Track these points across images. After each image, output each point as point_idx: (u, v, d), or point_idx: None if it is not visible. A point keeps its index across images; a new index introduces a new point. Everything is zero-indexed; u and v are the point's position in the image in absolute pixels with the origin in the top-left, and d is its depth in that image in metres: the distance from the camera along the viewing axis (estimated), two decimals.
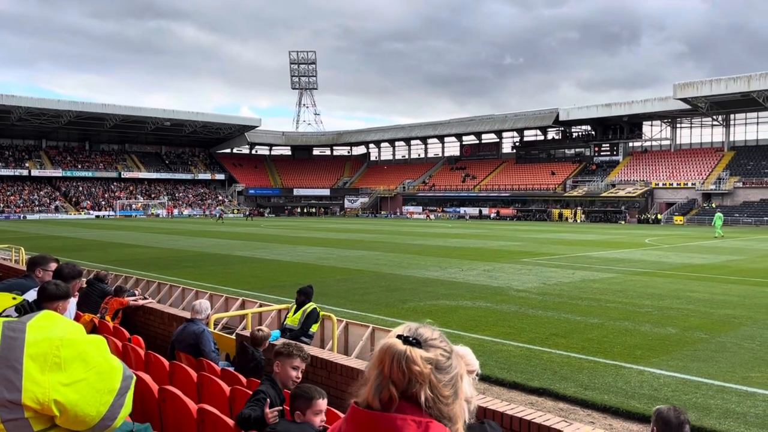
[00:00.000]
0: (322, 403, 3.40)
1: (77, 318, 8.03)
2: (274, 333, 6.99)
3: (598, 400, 7.45)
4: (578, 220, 69.37)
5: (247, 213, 78.79)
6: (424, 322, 1.46)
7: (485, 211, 78.50)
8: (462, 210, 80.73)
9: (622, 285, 16.86)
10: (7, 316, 1.62)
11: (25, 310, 3.42)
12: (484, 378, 8.49)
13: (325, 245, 31.04)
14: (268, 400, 3.47)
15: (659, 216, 65.20)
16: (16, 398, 1.39)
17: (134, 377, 1.70)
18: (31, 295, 4.13)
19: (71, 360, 1.47)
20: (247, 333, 7.38)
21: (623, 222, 66.12)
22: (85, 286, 9.39)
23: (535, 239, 36.59)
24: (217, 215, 69.87)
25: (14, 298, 1.67)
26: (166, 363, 4.98)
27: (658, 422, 3.27)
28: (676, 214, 64.76)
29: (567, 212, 71.89)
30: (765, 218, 58.61)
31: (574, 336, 10.70)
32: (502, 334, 10.87)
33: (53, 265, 4.84)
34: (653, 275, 19.11)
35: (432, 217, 75.21)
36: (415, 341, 1.35)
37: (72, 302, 4.26)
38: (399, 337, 1.37)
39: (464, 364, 1.48)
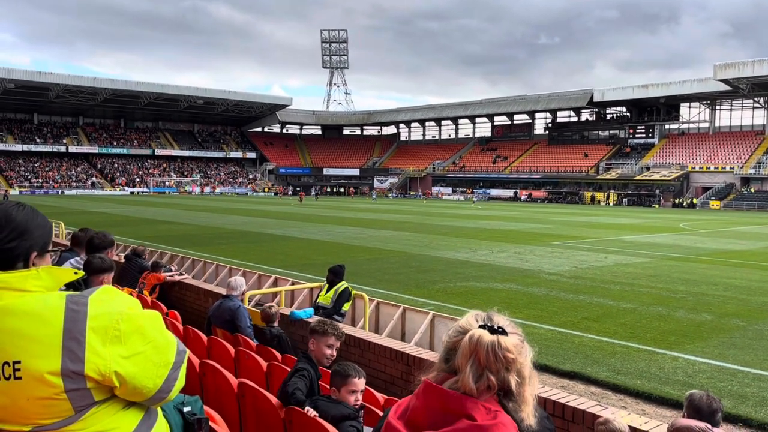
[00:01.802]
0: (358, 382, 3.43)
1: None
2: (307, 311, 7.09)
3: (630, 385, 7.39)
4: (611, 203, 68.30)
5: (314, 193, 78.64)
6: (491, 309, 1.51)
7: (513, 193, 77.78)
8: (492, 191, 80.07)
9: (656, 270, 16.61)
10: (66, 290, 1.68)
11: (78, 285, 3.52)
12: None
13: (355, 225, 31.16)
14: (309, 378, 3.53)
15: (695, 200, 63.80)
16: (79, 369, 1.44)
17: (188, 351, 1.74)
18: (67, 267, 4.25)
19: (130, 333, 1.52)
20: (284, 310, 7.49)
21: (657, 206, 64.89)
22: (123, 261, 9.62)
23: (567, 222, 36.18)
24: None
25: (75, 273, 1.71)
26: (204, 338, 5.09)
27: (689, 408, 3.24)
28: (713, 198, 63.28)
29: (599, 195, 70.80)
30: None
31: (606, 320, 10.61)
32: (533, 317, 10.83)
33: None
34: (688, 261, 18.77)
35: (475, 199, 73.78)
36: (500, 329, 1.40)
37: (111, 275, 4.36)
38: (482, 326, 1.41)
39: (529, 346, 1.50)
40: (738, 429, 6.29)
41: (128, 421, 1.57)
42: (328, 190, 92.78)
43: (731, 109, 74.67)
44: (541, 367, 8.16)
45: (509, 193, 78.44)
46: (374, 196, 74.98)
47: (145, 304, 7.54)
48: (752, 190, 62.90)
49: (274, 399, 3.13)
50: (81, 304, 1.51)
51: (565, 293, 13.06)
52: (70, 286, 1.87)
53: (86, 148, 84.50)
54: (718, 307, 11.82)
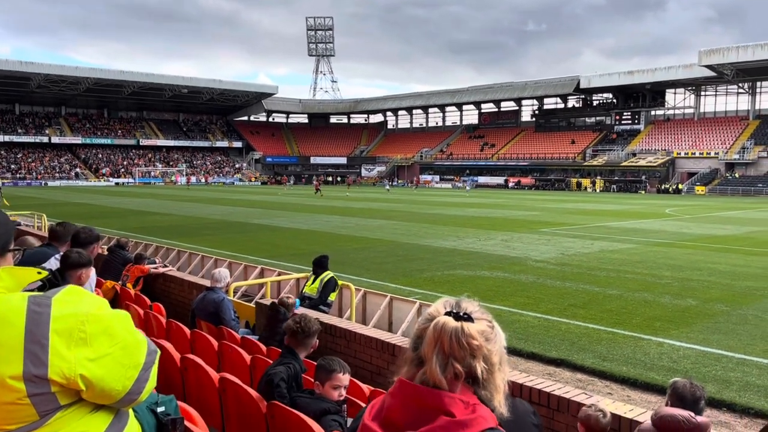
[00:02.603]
0: (343, 378, 3.38)
1: (99, 285, 8.15)
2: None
3: (616, 371, 7.44)
4: (597, 190, 68.65)
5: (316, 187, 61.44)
6: (462, 295, 1.47)
7: (503, 180, 77.94)
8: (479, 179, 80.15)
9: (641, 256, 16.72)
10: (31, 291, 1.61)
11: (50, 283, 3.43)
12: None
13: (342, 214, 31.09)
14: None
15: (680, 186, 64.31)
16: (42, 373, 1.39)
17: (159, 352, 1.69)
18: (53, 263, 4.16)
19: (97, 335, 1.46)
20: (266, 301, 7.45)
21: (643, 192, 65.34)
22: (106, 253, 9.51)
23: (554, 209, 36.33)
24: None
25: (39, 273, 1.65)
26: (187, 331, 5.04)
27: (672, 396, 3.23)
28: (698, 184, 63.82)
29: (586, 182, 71.14)
30: None
31: (592, 307, 10.66)
32: (520, 304, 10.86)
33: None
34: (673, 246, 18.91)
35: (468, 188, 73.01)
36: (466, 316, 1.37)
37: (92, 272, 4.28)
38: (448, 313, 1.38)
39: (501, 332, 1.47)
40: (722, 413, 6.34)
41: (97, 425, 1.52)
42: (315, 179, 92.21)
43: (716, 95, 75.14)
44: (527, 355, 8.20)
45: (497, 180, 78.59)
46: (387, 186, 69.36)
47: (128, 297, 7.48)
48: (737, 176, 63.48)
49: (255, 394, 3.09)
50: (44, 306, 1.45)
51: (552, 280, 13.11)
52: (47, 282, 1.81)
53: (69, 139, 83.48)
54: (703, 292, 11.92)
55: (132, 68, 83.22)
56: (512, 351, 8.34)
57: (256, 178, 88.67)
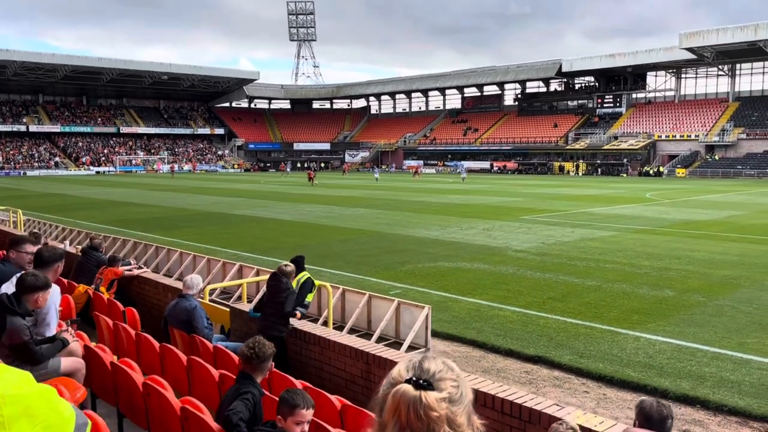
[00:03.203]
0: (306, 413, 3.29)
1: (71, 290, 8.02)
2: None
3: (593, 368, 7.47)
4: (580, 174, 69.01)
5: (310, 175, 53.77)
6: (423, 353, 1.46)
7: (489, 165, 78.01)
8: (463, 164, 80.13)
9: (621, 244, 16.82)
10: None
11: (3, 305, 3.33)
12: (480, 345, 8.53)
13: (326, 203, 30.96)
14: (254, 402, 3.42)
15: (661, 168, 64.82)
16: None
17: (89, 424, 1.61)
18: (9, 288, 4.04)
19: (16, 417, 1.38)
20: (242, 306, 7.37)
21: (625, 175, 65.81)
22: (80, 255, 9.35)
23: (536, 194, 36.47)
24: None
25: None
26: (157, 345, 4.95)
27: (640, 416, 3.23)
28: (679, 166, 64.38)
29: (568, 165, 71.46)
30: None
31: (571, 299, 10.71)
32: (499, 297, 10.87)
33: (28, 247, 4.74)
34: (653, 233, 19.06)
35: (463, 175, 71.12)
36: (426, 383, 1.32)
37: (55, 290, 4.17)
38: (408, 381, 1.33)
39: (468, 385, 1.43)
40: (696, 411, 6.39)
41: None
42: (299, 165, 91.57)
43: (696, 78, 75.60)
44: (505, 352, 8.22)
45: (481, 165, 78.63)
46: (377, 175, 58.59)
47: (101, 304, 7.36)
48: (716, 158, 64.11)
49: (216, 426, 3.02)
50: None
51: (532, 271, 13.15)
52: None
53: (48, 127, 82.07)
54: (681, 282, 12.02)
55: (111, 54, 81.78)
56: (491, 348, 8.36)
57: (239, 165, 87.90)
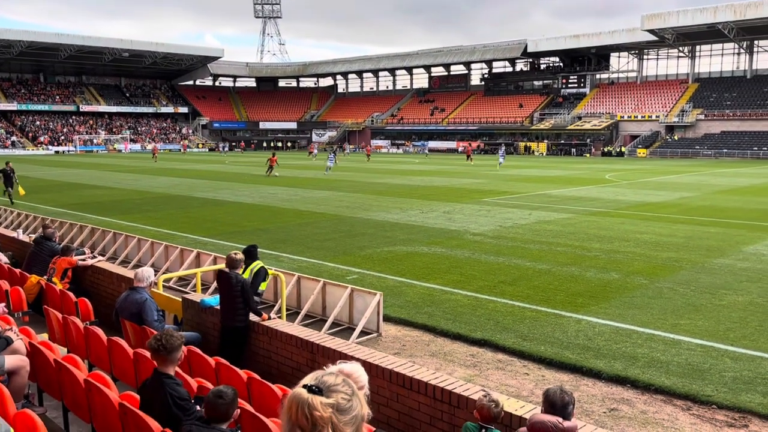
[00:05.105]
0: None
1: (23, 281, 8.05)
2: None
3: (534, 351, 7.84)
4: (544, 153, 70.01)
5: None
6: (337, 365, 1.77)
7: (452, 144, 78.45)
8: (430, 143, 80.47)
9: (575, 227, 17.33)
10: None
11: None
12: (430, 329, 8.84)
13: (289, 185, 30.95)
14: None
15: (623, 149, 66.16)
16: None
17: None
18: None
19: None
20: (194, 296, 7.53)
21: (588, 155, 66.99)
22: (33, 245, 9.34)
23: (499, 176, 37.01)
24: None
25: None
26: (105, 339, 5.10)
27: (545, 403, 3.54)
28: (640, 146, 65.79)
29: (533, 145, 72.41)
30: (724, 150, 59.99)
31: (521, 283, 11.10)
32: (452, 282, 11.20)
33: None
34: (606, 215, 19.65)
35: (426, 152, 69.89)
36: (317, 389, 1.56)
37: None
38: (305, 386, 1.57)
39: (364, 400, 1.67)
40: (626, 390, 6.81)
41: None
42: (264, 145, 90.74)
43: (657, 59, 76.99)
44: (453, 336, 8.55)
45: (447, 145, 79.09)
46: (330, 164, 40.09)
47: (53, 295, 7.43)
48: (675, 138, 65.69)
49: (154, 423, 3.22)
50: None
51: (487, 255, 13.52)
52: None
53: (3, 105, 79.60)
54: (626, 264, 12.52)
55: (71, 29, 79.18)
56: (440, 332, 8.68)
57: (203, 144, 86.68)
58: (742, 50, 68.91)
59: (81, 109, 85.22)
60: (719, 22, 60.04)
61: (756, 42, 67.19)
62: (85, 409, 3.76)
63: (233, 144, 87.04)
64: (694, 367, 7.26)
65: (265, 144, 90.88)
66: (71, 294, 7.35)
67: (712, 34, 64.01)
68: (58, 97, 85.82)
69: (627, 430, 5.85)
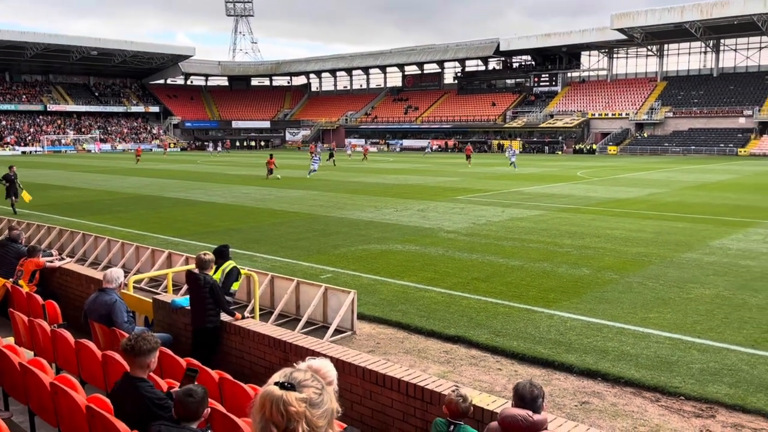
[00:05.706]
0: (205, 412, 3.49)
1: None
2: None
3: (507, 346, 7.92)
4: (517, 152, 70.50)
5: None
6: (307, 361, 1.88)
7: (425, 143, 78.54)
8: (404, 142, 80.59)
9: (547, 223, 17.53)
10: None
11: None
12: (404, 326, 8.87)
13: (263, 185, 30.75)
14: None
15: (594, 146, 67.07)
16: None
17: None
18: None
19: None
20: (165, 297, 7.44)
21: (560, 152, 67.77)
22: None
23: (473, 174, 37.24)
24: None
25: None
26: (72, 341, 5.01)
27: (515, 397, 3.58)
28: (611, 144, 66.75)
29: (506, 143, 72.93)
30: (692, 147, 61.17)
31: (494, 280, 11.19)
32: (426, 279, 11.25)
33: None
34: (578, 212, 19.91)
35: (429, 150, 70.29)
36: (290, 385, 1.58)
37: None
38: (276, 383, 1.59)
39: (333, 395, 1.70)
40: (596, 383, 6.91)
41: None
42: (238, 144, 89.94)
43: (627, 57, 78.18)
44: (427, 333, 8.59)
45: (421, 143, 79.23)
46: (315, 165, 36.22)
47: (20, 298, 7.28)
48: (645, 135, 66.81)
49: (122, 426, 3.18)
50: None
51: (460, 252, 13.60)
52: None
53: None
54: (597, 260, 12.71)
55: (40, 26, 77.48)
56: (414, 329, 8.71)
57: (175, 144, 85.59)
58: (708, 49, 70.40)
59: (48, 109, 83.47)
60: (686, 21, 61.20)
61: (722, 41, 68.67)
62: (52, 413, 3.69)
63: (217, 143, 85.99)
64: (662, 359, 7.41)
65: (237, 143, 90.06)
66: (38, 296, 7.21)
67: (679, 33, 65.24)
68: (24, 96, 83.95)
69: (597, 423, 5.93)
